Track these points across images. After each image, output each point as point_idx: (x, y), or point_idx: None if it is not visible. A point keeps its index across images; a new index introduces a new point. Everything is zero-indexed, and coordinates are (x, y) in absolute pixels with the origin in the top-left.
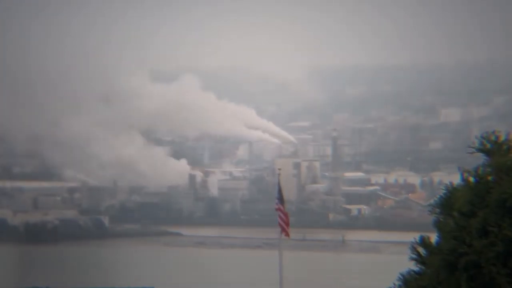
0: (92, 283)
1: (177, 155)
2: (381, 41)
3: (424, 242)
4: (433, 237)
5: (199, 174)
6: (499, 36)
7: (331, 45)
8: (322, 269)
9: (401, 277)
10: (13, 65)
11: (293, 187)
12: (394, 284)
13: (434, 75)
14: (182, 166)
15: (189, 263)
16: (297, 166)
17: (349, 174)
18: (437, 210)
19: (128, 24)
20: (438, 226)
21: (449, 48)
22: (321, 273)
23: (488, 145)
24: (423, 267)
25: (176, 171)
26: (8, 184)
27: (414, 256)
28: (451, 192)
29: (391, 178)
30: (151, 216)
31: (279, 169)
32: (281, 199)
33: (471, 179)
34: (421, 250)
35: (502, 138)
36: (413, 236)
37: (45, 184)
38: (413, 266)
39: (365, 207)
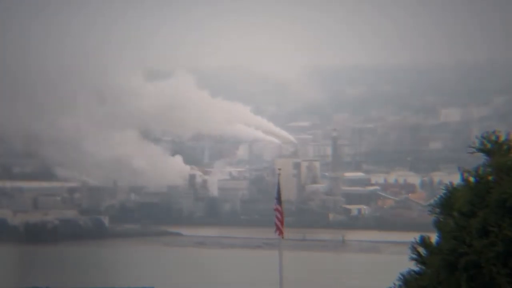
0: (92, 283)
1: (177, 155)
2: (381, 41)
3: (424, 242)
4: (433, 237)
5: (199, 174)
6: (499, 36)
7: (331, 45)
8: (322, 269)
9: (401, 277)
10: (13, 65)
11: (293, 187)
12: (394, 284)
13: (434, 75)
14: (182, 166)
15: (189, 263)
16: (297, 166)
17: (349, 174)
18: (437, 210)
19: (128, 24)
20: (438, 226)
21: (449, 48)
22: (321, 273)
23: (488, 145)
24: (423, 267)
25: (176, 171)
26: (8, 184)
27: (414, 256)
28: (451, 192)
29: (391, 178)
30: (151, 216)
31: (279, 169)
32: (279, 199)
33: (471, 179)
34: (421, 250)
35: (502, 138)
36: (413, 236)
37: (45, 184)
38: (413, 266)
39: (365, 207)
